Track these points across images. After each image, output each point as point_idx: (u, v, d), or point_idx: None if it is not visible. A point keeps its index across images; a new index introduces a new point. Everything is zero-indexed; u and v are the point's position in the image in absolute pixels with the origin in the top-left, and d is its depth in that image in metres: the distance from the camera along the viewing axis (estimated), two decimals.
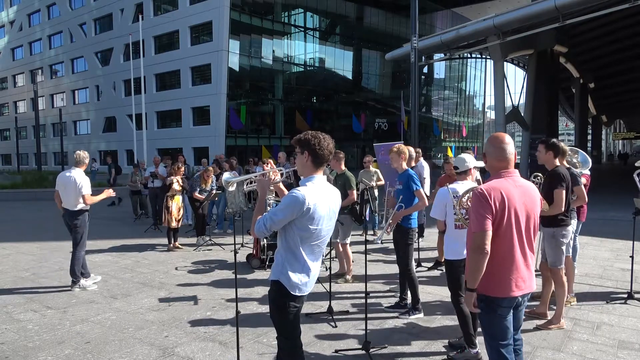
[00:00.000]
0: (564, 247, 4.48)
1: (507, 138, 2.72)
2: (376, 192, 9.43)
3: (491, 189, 2.56)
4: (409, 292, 4.94)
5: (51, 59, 47.47)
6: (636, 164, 5.26)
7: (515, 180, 2.66)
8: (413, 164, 6.81)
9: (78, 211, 5.90)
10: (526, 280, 2.64)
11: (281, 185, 3.06)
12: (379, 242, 4.82)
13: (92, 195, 5.95)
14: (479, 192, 2.57)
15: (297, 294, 2.67)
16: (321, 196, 2.66)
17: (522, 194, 2.63)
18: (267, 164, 8.46)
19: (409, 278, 4.80)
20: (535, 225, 2.69)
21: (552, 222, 4.43)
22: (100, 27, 42.24)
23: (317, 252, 2.76)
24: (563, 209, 4.32)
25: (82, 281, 5.96)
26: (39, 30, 48.51)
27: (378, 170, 9.30)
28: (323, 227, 2.69)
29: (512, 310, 2.66)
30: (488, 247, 2.51)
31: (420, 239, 9.08)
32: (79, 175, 5.86)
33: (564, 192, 4.28)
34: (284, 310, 2.68)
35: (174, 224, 8.36)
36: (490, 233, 2.52)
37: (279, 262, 2.71)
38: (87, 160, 6.08)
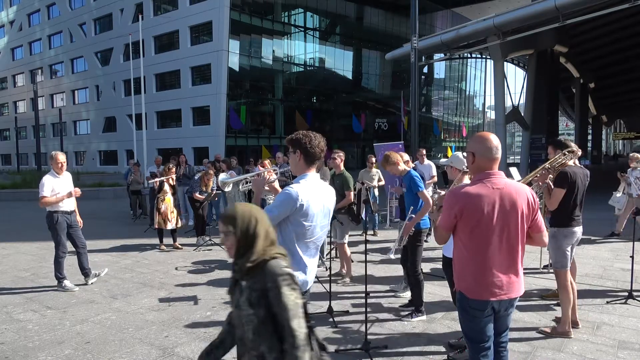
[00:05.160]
0: (566, 250, 4.34)
1: (495, 138, 2.62)
2: (376, 192, 9.46)
3: (460, 194, 2.57)
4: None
5: (51, 59, 47.41)
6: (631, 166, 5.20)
7: (495, 182, 2.53)
8: (410, 166, 6.79)
9: (47, 212, 5.89)
10: (504, 286, 2.53)
11: (276, 185, 3.11)
12: (392, 256, 4.71)
13: (49, 197, 5.71)
14: (449, 193, 2.67)
15: None
16: (314, 193, 2.70)
17: (503, 197, 2.50)
18: (263, 165, 8.50)
19: (415, 280, 4.79)
20: (522, 228, 2.55)
21: (554, 221, 4.38)
22: (100, 27, 42.19)
23: (313, 250, 2.79)
24: (554, 207, 4.28)
25: (66, 282, 5.94)
26: (39, 30, 48.45)
27: (379, 171, 9.35)
28: (317, 224, 2.73)
29: (488, 315, 2.60)
30: (447, 241, 2.73)
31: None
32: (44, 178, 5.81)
33: (561, 190, 4.24)
34: None
35: (169, 225, 8.43)
36: (450, 234, 2.67)
37: None
38: (52, 162, 5.87)
